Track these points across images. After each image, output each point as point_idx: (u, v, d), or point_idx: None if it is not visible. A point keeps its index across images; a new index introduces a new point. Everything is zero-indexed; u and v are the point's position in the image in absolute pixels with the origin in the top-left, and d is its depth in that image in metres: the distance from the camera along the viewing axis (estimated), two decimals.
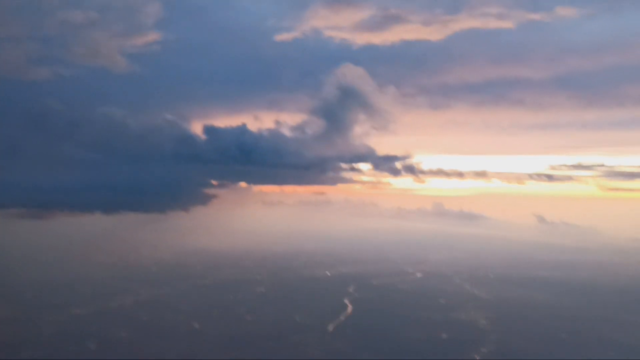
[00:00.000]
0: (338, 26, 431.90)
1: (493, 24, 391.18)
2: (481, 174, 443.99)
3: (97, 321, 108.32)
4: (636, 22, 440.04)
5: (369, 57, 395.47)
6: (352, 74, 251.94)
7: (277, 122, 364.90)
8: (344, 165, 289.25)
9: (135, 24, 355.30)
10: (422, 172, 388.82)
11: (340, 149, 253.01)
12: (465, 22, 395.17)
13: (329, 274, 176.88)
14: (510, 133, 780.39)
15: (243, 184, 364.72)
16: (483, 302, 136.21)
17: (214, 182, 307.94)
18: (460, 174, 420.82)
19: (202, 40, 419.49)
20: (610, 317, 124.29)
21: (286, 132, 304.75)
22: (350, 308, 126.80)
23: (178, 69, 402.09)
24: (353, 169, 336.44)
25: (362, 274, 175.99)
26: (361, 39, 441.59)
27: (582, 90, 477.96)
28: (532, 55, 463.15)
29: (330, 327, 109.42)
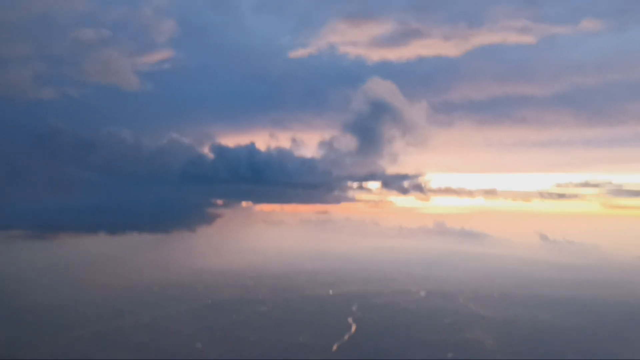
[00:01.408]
0: (355, 41, 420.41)
1: (514, 38, 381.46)
2: (490, 193, 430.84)
3: (97, 343, 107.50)
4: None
5: (382, 74, 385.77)
6: (381, 88, 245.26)
7: (294, 140, 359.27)
8: (352, 184, 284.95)
9: (148, 42, 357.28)
10: (431, 190, 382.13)
11: (353, 168, 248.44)
12: (485, 37, 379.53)
13: (331, 293, 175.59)
14: (513, 151, 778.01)
15: (246, 203, 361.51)
16: (488, 322, 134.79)
17: (218, 201, 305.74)
18: (469, 193, 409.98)
19: (216, 57, 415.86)
20: (617, 336, 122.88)
21: (300, 151, 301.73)
22: (354, 328, 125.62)
23: (191, 87, 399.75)
24: (361, 188, 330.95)
25: (365, 293, 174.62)
26: (377, 55, 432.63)
27: (584, 108, 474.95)
28: (539, 71, 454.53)
29: (334, 347, 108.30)
